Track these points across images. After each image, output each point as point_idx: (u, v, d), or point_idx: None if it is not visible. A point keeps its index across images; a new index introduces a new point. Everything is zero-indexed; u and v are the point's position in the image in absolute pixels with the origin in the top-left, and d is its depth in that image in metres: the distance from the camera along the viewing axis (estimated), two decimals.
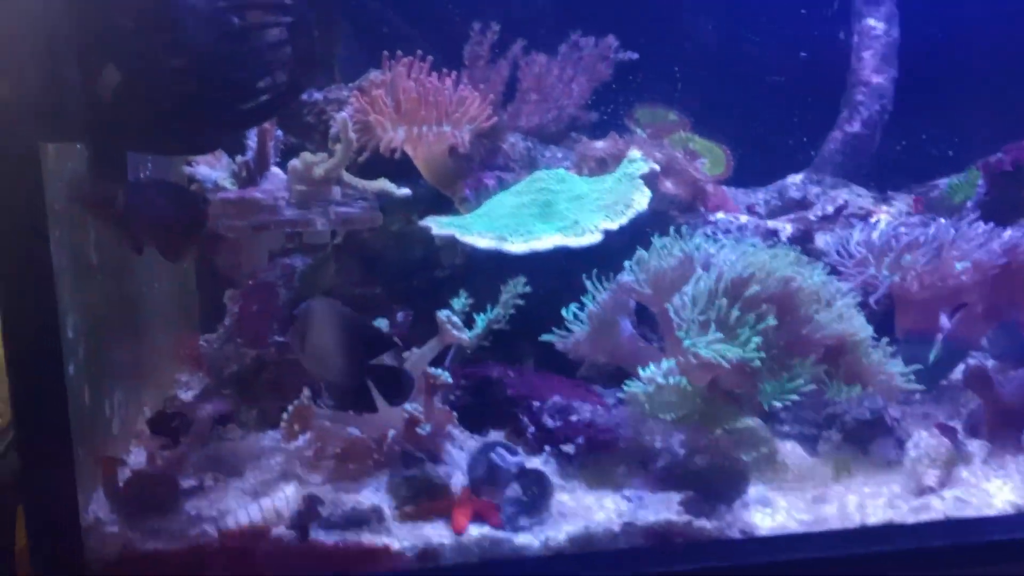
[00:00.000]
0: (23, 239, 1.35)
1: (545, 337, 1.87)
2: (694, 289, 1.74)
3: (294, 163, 1.82)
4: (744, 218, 2.03)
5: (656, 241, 1.83)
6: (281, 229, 1.70)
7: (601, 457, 1.63)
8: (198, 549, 1.44)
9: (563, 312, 1.87)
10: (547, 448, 1.70)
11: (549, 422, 1.72)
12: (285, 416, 1.72)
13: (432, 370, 1.67)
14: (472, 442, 1.77)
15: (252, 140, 1.86)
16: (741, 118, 2.45)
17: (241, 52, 1.39)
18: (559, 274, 1.97)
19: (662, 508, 1.53)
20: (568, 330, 1.86)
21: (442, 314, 1.76)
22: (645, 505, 1.54)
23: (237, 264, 1.78)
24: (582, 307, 1.86)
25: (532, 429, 1.74)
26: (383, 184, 1.94)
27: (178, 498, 1.52)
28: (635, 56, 2.23)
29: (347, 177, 1.93)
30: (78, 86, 1.35)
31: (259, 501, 1.46)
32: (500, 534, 1.48)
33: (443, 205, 2.18)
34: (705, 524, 1.50)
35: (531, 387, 1.80)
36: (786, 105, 2.52)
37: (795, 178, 2.35)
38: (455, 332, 1.74)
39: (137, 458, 1.74)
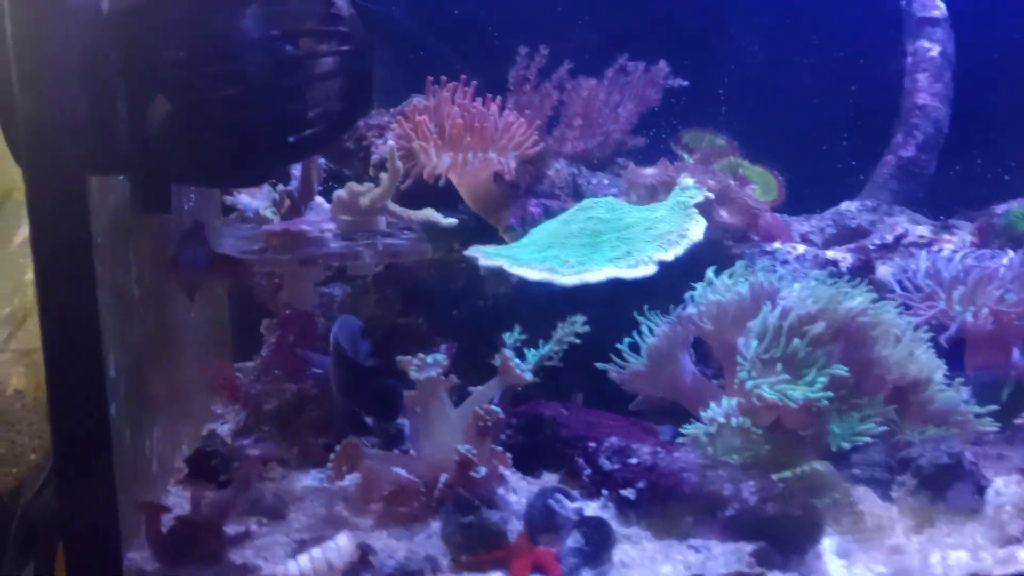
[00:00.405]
0: (70, 276, 1.29)
1: (602, 366, 1.80)
2: (759, 326, 1.66)
3: (340, 193, 1.76)
4: (801, 248, 1.95)
5: (710, 274, 1.75)
6: (328, 263, 1.64)
7: (664, 503, 1.55)
8: None
9: (617, 345, 1.80)
10: (605, 492, 1.62)
11: (607, 464, 1.64)
12: (332, 456, 1.64)
13: (485, 408, 1.59)
14: (524, 484, 1.70)
15: (295, 168, 1.80)
16: (790, 142, 2.38)
17: (294, 82, 1.33)
18: (609, 306, 1.90)
19: (732, 560, 1.44)
20: (624, 362, 1.79)
21: (507, 351, 1.69)
22: (714, 556, 1.46)
23: (285, 300, 1.71)
24: (636, 341, 1.79)
25: (588, 471, 1.66)
26: (429, 214, 1.88)
27: (223, 546, 1.45)
28: (685, 83, 2.16)
29: (393, 207, 1.87)
30: (126, 117, 1.29)
31: (309, 552, 1.39)
32: None
33: (486, 233, 2.12)
34: None
35: (586, 426, 1.72)
36: (836, 129, 2.44)
37: (850, 205, 2.27)
38: (518, 371, 1.67)
39: (176, 499, 1.68)
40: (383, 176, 1.82)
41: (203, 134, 1.30)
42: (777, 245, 1.96)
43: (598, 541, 1.45)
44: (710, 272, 1.78)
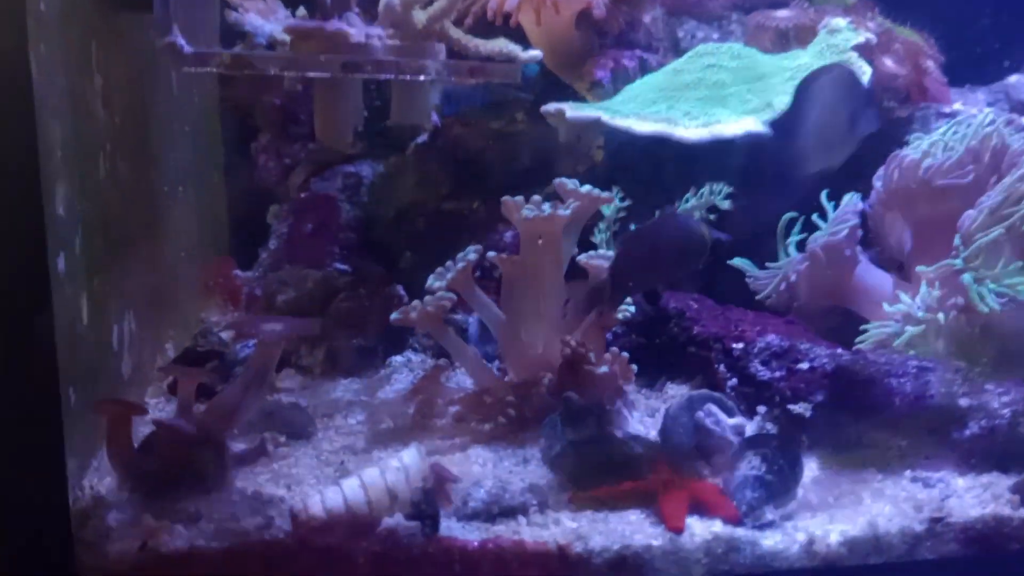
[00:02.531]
0: None
1: (739, 262, 1.33)
2: (1000, 195, 1.19)
3: (391, 1, 1.27)
4: (990, 112, 1.48)
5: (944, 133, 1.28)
6: (380, 75, 1.15)
7: (860, 421, 1.08)
8: (261, 550, 0.89)
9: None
10: (762, 409, 1.15)
11: (764, 372, 1.17)
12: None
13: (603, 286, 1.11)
14: (641, 398, 1.23)
15: None
16: (938, 6, 1.91)
17: None
18: (742, 174, 1.43)
19: (984, 497, 0.98)
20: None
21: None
22: (954, 492, 0.99)
23: (334, 120, 1.20)
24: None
25: (733, 381, 1.19)
26: (504, 44, 1.39)
27: (226, 468, 0.97)
28: None
29: (455, 32, 1.38)
30: None
31: (359, 474, 0.90)
32: (739, 533, 0.94)
33: (558, 98, 1.64)
34: None
35: (725, 323, 1.25)
36: None
37: (1022, 78, 1.80)
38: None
39: (159, 413, 1.19)
40: None
41: None
42: (958, 106, 1.49)
43: (785, 468, 0.98)
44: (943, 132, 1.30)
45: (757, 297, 1.33)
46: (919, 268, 1.21)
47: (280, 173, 1.77)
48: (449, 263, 1.20)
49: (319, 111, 1.21)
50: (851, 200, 1.29)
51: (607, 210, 1.40)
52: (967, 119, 1.30)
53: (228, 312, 1.62)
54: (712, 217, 1.37)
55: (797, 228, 1.33)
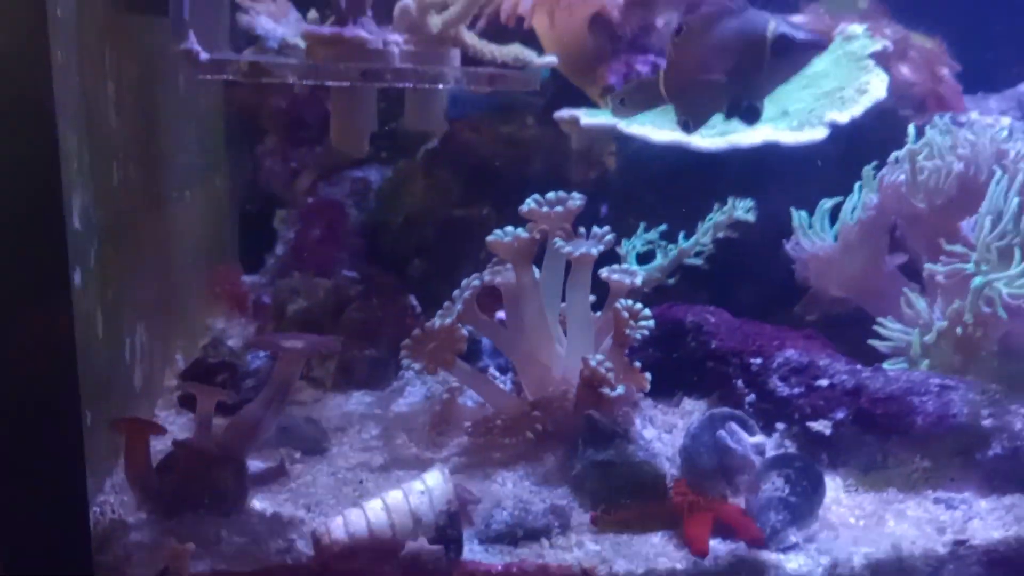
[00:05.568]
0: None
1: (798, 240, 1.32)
2: (991, 202, 1.19)
3: (406, 4, 1.25)
4: (1006, 120, 1.48)
5: (935, 135, 1.27)
6: (399, 83, 1.13)
7: (883, 440, 1.08)
8: (284, 575, 0.88)
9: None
10: (781, 426, 1.15)
11: (783, 388, 1.16)
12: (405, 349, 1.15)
13: (626, 305, 1.10)
14: (658, 414, 1.22)
15: None
16: (949, 12, 1.89)
17: None
18: (755, 183, 1.42)
19: (1008, 519, 0.98)
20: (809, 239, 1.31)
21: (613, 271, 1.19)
22: (977, 513, 0.99)
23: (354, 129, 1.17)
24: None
25: (752, 397, 1.19)
26: (519, 50, 1.37)
27: (245, 488, 0.96)
28: None
29: (471, 37, 1.36)
30: None
31: (383, 496, 0.89)
32: (763, 556, 0.93)
33: (570, 103, 1.62)
34: None
35: (743, 337, 1.24)
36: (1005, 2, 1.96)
37: None
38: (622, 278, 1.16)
39: (170, 426, 1.18)
40: None
41: None
42: (974, 115, 1.48)
43: (808, 489, 0.98)
44: (934, 132, 1.29)
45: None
46: (928, 265, 1.21)
47: (286, 177, 1.75)
48: (456, 292, 1.17)
49: (335, 118, 1.19)
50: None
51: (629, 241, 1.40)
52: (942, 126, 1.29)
53: (235, 319, 1.60)
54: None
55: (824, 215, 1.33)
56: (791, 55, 0.97)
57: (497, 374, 1.30)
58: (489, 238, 1.15)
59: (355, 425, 1.21)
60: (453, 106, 1.78)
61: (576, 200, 1.16)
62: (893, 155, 1.29)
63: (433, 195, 1.63)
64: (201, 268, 1.62)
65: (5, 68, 0.80)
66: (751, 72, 0.97)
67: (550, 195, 1.18)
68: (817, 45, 0.98)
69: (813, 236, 1.31)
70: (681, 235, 1.41)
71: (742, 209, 1.36)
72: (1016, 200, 1.17)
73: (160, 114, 1.37)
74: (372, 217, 1.66)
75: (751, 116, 1.00)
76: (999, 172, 1.21)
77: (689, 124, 1.03)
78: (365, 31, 1.18)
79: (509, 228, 1.16)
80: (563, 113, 1.50)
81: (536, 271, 1.18)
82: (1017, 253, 1.16)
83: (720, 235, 1.37)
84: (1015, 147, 1.24)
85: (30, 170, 0.83)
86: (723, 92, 0.99)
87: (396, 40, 1.16)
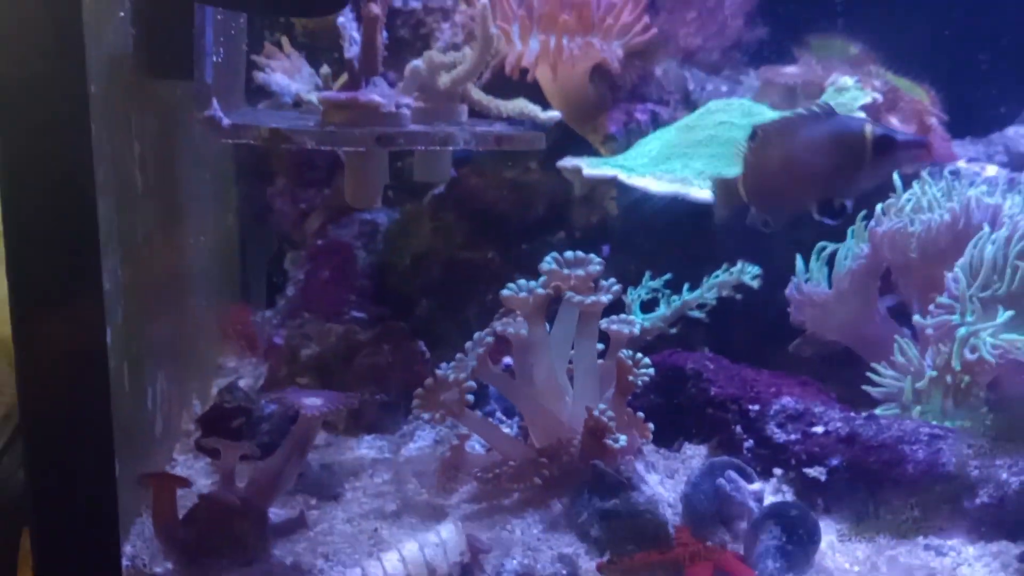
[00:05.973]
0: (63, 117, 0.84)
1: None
2: (974, 254, 1.24)
3: (416, 65, 1.30)
4: (992, 169, 1.54)
5: (921, 189, 1.33)
6: (411, 146, 1.19)
7: (874, 488, 1.12)
8: None
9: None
10: (778, 472, 1.20)
11: (780, 434, 1.21)
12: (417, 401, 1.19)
13: (630, 355, 1.15)
14: (659, 459, 1.26)
15: (352, 30, 1.33)
16: (936, 56, 1.95)
17: None
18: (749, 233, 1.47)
19: (994, 564, 1.02)
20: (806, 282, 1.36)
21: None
22: (966, 560, 1.04)
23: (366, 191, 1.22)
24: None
25: (750, 443, 1.24)
26: (523, 105, 1.43)
27: (267, 539, 1.00)
28: None
29: (477, 93, 1.42)
30: None
31: (399, 548, 0.94)
32: None
33: (573, 149, 1.67)
34: None
35: (741, 383, 1.29)
36: (989, 45, 2.02)
37: (1020, 129, 1.85)
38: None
39: (185, 471, 1.22)
40: (468, 51, 1.37)
41: None
42: (962, 164, 1.54)
43: (803, 537, 1.02)
44: (920, 187, 1.35)
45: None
46: (916, 318, 1.26)
47: (296, 218, 1.80)
48: (469, 344, 1.20)
49: (350, 178, 1.23)
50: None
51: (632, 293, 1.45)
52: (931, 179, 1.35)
53: (247, 358, 1.65)
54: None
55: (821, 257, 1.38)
56: (894, 154, 1.00)
57: (504, 418, 1.35)
58: (504, 293, 1.19)
59: (367, 469, 1.25)
60: (458, 151, 1.84)
61: (596, 265, 1.19)
62: (879, 206, 1.35)
63: (439, 237, 1.68)
64: (213, 308, 1.67)
65: (50, 147, 0.85)
66: (848, 173, 1.00)
67: (568, 254, 1.21)
68: (919, 144, 1.02)
69: (810, 282, 1.37)
70: (686, 287, 1.45)
71: (748, 276, 1.40)
72: (990, 250, 1.23)
73: (177, 164, 1.42)
74: (380, 258, 1.71)
75: (839, 214, 1.04)
76: (986, 227, 1.27)
77: (768, 223, 1.06)
78: (378, 93, 1.23)
79: (523, 282, 1.20)
80: (566, 162, 1.55)
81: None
82: (1001, 308, 1.21)
83: (724, 294, 1.42)
84: (1000, 200, 1.30)
85: (72, 245, 0.87)
86: (811, 193, 1.01)
87: (407, 102, 1.22)
